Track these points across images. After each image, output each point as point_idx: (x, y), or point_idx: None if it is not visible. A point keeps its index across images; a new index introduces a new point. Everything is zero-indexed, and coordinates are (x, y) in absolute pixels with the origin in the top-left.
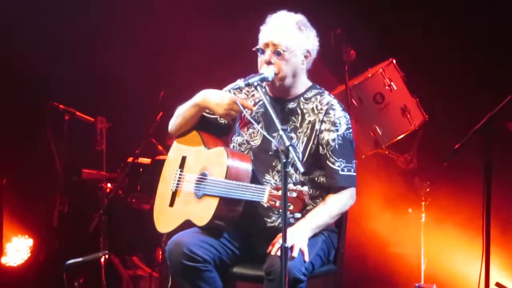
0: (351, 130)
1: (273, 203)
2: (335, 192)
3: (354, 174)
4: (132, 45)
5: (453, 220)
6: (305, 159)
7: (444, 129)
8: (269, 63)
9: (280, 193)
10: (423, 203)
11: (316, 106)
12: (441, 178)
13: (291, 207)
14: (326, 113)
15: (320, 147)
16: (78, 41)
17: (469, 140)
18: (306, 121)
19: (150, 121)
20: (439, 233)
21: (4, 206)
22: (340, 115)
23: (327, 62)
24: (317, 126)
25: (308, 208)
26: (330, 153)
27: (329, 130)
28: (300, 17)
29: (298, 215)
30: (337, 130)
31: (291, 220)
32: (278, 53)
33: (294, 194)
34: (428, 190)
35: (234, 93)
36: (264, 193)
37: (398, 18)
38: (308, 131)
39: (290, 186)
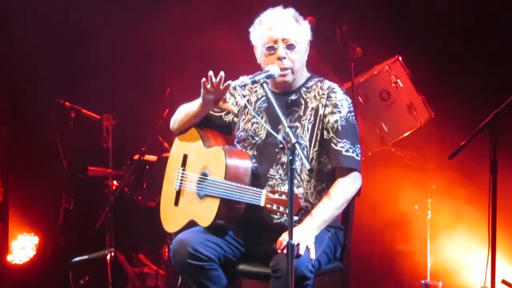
0: (353, 114)
1: (270, 206)
2: (339, 176)
3: (358, 158)
4: (138, 43)
5: (459, 217)
6: (313, 147)
7: (450, 126)
8: (283, 58)
9: (276, 196)
10: (429, 200)
11: (318, 93)
12: (447, 175)
13: (287, 210)
14: (328, 96)
15: (325, 132)
16: (83, 39)
17: (475, 137)
18: (309, 108)
19: (156, 118)
20: (445, 230)
21: (10, 204)
22: (341, 97)
23: (331, 60)
24: (320, 111)
25: (312, 203)
26: (334, 135)
27: (332, 113)
28: (293, 11)
29: (295, 217)
30: (340, 112)
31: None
32: (291, 47)
33: None
34: (434, 187)
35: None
36: (261, 197)
37: (404, 15)
38: (312, 117)
39: (286, 188)
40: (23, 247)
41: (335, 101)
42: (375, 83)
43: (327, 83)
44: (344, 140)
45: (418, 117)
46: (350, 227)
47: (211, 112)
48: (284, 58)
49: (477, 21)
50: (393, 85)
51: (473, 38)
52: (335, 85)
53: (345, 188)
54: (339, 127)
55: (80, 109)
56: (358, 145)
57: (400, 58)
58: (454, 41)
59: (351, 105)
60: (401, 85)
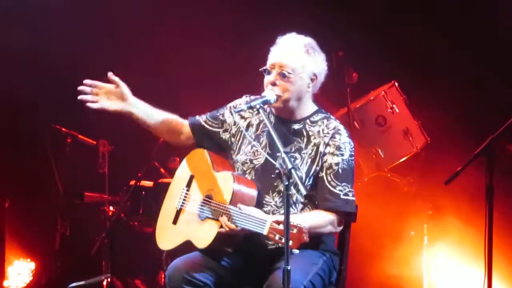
0: (353, 158)
1: (273, 236)
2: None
3: (353, 199)
4: (133, 67)
5: (455, 242)
6: (306, 180)
7: (446, 152)
8: (274, 84)
9: (281, 227)
10: (425, 225)
11: (323, 130)
12: (443, 200)
13: (290, 243)
14: (332, 137)
15: (320, 170)
16: (79, 64)
17: (471, 162)
18: (312, 143)
19: (152, 144)
20: (442, 255)
21: (6, 229)
22: (345, 140)
23: (325, 87)
24: (321, 149)
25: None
26: (331, 176)
27: (333, 154)
28: (309, 40)
29: (296, 251)
30: (342, 155)
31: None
32: (283, 75)
33: (295, 230)
34: (430, 212)
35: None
36: (265, 226)
37: (401, 40)
38: (313, 153)
39: (293, 221)
40: (19, 273)
41: (338, 143)
42: (371, 108)
43: (333, 123)
44: (344, 184)
45: (414, 143)
46: (346, 252)
47: (207, 126)
48: (275, 84)
49: (474, 48)
50: (389, 110)
51: (470, 64)
52: (341, 126)
53: (328, 225)
54: (340, 170)
55: (76, 134)
56: (353, 189)
57: (396, 84)
58: (451, 67)
59: (353, 149)
60: (397, 111)
